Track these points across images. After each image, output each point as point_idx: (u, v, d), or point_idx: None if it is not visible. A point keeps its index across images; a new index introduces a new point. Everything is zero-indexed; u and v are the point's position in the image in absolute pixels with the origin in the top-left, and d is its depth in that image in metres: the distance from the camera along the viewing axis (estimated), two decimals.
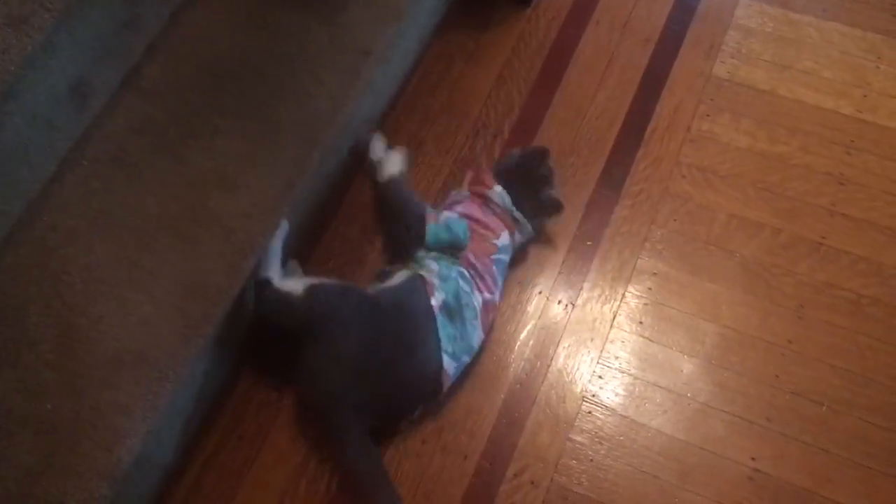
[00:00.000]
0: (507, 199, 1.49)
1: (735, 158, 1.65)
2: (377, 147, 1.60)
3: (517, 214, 1.49)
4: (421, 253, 1.45)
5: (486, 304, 1.43)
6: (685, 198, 1.61)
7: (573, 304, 1.53)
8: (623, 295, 1.53)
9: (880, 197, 1.58)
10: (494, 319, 1.48)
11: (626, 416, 1.43)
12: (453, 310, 1.38)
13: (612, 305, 1.53)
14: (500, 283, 1.47)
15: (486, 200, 1.50)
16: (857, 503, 1.34)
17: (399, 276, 1.42)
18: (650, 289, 1.54)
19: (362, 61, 1.42)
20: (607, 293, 1.54)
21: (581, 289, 1.55)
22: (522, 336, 1.51)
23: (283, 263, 1.39)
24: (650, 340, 1.49)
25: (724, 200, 1.60)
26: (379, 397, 1.34)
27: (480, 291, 1.42)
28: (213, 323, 1.19)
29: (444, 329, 1.36)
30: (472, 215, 1.47)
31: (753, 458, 1.38)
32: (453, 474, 1.39)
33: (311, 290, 1.33)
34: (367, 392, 1.33)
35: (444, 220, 1.45)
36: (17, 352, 1.13)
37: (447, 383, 1.38)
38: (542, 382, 1.47)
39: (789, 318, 1.49)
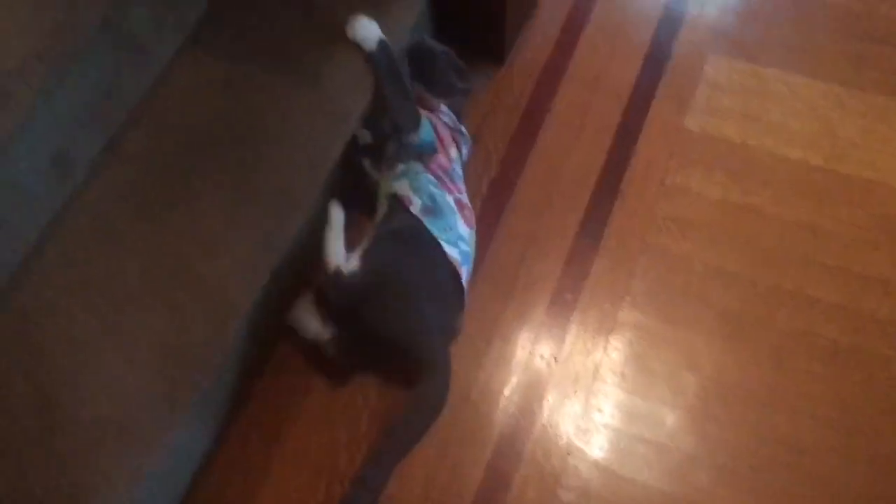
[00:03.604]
0: (454, 116, 1.63)
1: (709, 210, 1.67)
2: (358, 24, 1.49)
3: (463, 129, 1.63)
4: (386, 175, 1.56)
5: (458, 202, 1.55)
6: (662, 250, 1.64)
7: (556, 359, 1.54)
8: (605, 348, 1.55)
9: (853, 245, 1.61)
10: (472, 217, 1.57)
11: (611, 471, 1.43)
12: (431, 208, 1.49)
13: (595, 358, 1.54)
14: (462, 188, 1.60)
15: (437, 114, 1.61)
16: None
17: (381, 209, 1.53)
18: (631, 341, 1.55)
19: (341, 123, 1.44)
20: (589, 346, 1.55)
21: (563, 342, 1.56)
22: (506, 392, 1.52)
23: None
24: (633, 393, 1.50)
25: (700, 251, 1.63)
26: (440, 308, 1.47)
27: (451, 192, 1.54)
28: (197, 388, 1.20)
29: (433, 224, 1.47)
30: (436, 122, 1.59)
31: None
32: None
33: (365, 262, 1.40)
34: (436, 311, 1.45)
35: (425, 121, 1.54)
36: None
37: (460, 269, 1.48)
38: (528, 438, 1.47)
39: (769, 367, 1.50)
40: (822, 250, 1.62)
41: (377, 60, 1.47)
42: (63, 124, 1.23)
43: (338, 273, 1.38)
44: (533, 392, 1.51)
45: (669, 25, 1.93)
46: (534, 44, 1.91)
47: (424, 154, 1.56)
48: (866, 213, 1.64)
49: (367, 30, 1.46)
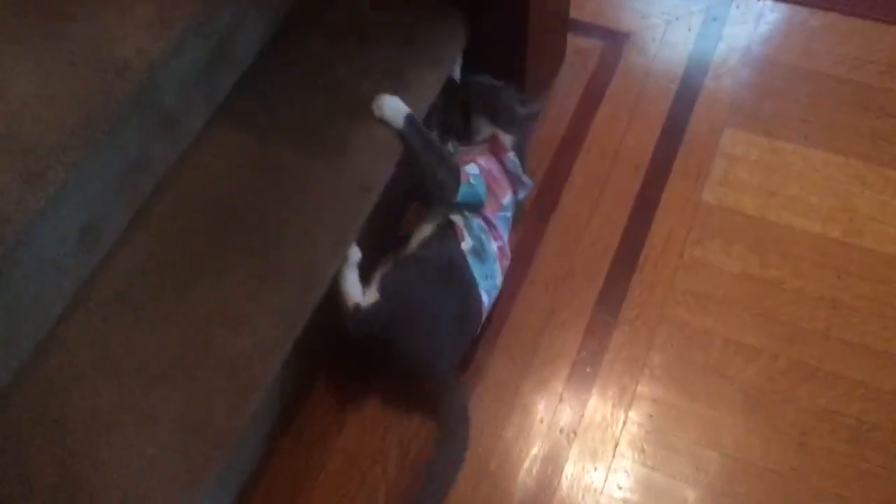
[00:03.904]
0: (518, 165, 1.66)
1: (728, 283, 1.68)
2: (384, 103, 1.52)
3: (524, 177, 1.66)
4: (441, 208, 1.58)
5: (501, 250, 1.59)
6: (682, 323, 1.63)
7: (575, 433, 1.53)
8: (624, 422, 1.53)
9: (873, 321, 1.61)
10: (507, 266, 1.62)
11: None
12: (480, 252, 1.53)
13: (614, 432, 1.53)
14: (505, 236, 1.63)
15: (502, 161, 1.65)
16: None
17: (429, 227, 1.57)
18: (651, 416, 1.54)
19: (362, 198, 1.46)
20: (609, 421, 1.54)
21: (583, 416, 1.55)
22: (525, 465, 1.50)
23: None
24: (653, 469, 1.49)
25: (720, 325, 1.63)
26: (455, 342, 1.53)
27: (494, 240, 1.58)
28: (215, 466, 1.19)
29: (477, 268, 1.52)
30: (491, 172, 1.61)
31: None
32: None
33: (384, 293, 1.45)
34: (451, 343, 1.52)
35: (468, 179, 1.55)
36: (16, 501, 1.12)
37: (484, 314, 1.54)
38: None
39: (791, 445, 1.49)
40: (843, 325, 1.61)
41: (408, 136, 1.50)
42: (92, 198, 1.25)
43: (356, 308, 1.43)
44: (552, 465, 1.50)
45: (686, 98, 1.96)
46: (552, 115, 1.94)
47: (472, 206, 1.59)
48: (888, 289, 1.64)
49: (393, 108, 1.49)
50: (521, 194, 1.69)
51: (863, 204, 1.76)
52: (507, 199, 1.64)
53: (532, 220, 1.78)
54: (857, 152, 1.84)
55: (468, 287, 1.51)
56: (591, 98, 1.97)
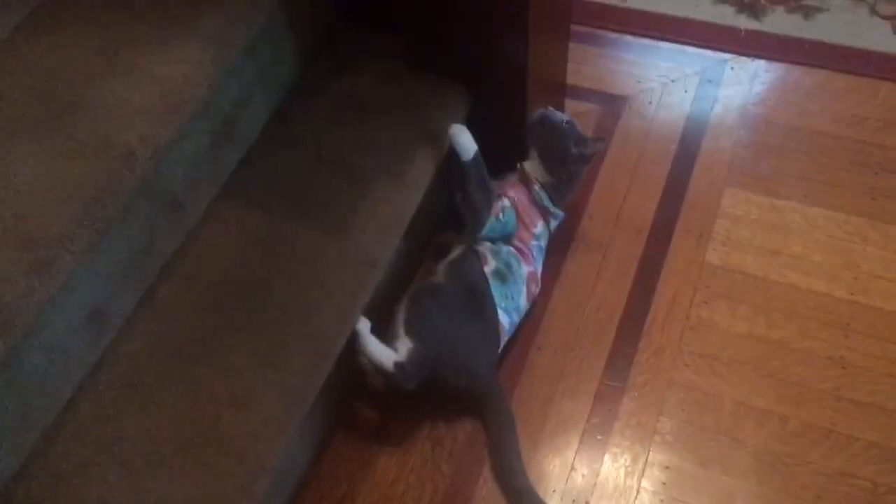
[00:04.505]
0: (544, 198, 1.71)
1: (736, 345, 1.67)
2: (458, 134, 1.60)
3: (553, 208, 1.71)
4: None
5: (531, 275, 1.66)
6: (691, 387, 1.63)
7: (588, 503, 1.51)
8: (637, 491, 1.52)
9: (883, 380, 1.60)
10: (536, 292, 1.70)
11: None
12: (504, 274, 1.61)
13: (628, 503, 1.51)
14: (539, 261, 1.71)
15: (530, 192, 1.70)
16: None
17: (456, 251, 1.64)
18: (664, 483, 1.52)
19: (368, 272, 1.47)
20: (622, 489, 1.52)
21: (595, 485, 1.53)
22: None
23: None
24: None
25: (729, 388, 1.62)
26: (487, 354, 1.59)
27: (526, 265, 1.65)
28: None
29: (497, 290, 1.59)
30: (522, 202, 1.68)
31: None
32: None
33: (415, 335, 1.49)
34: (484, 356, 1.59)
35: (499, 213, 1.63)
36: None
37: (504, 336, 1.60)
38: None
39: None
40: (852, 385, 1.60)
41: (470, 171, 1.58)
42: (100, 283, 1.26)
43: (399, 366, 1.47)
44: None
45: (685, 160, 1.99)
46: None
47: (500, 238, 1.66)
48: None
49: (465, 142, 1.58)
50: (553, 224, 1.74)
51: (866, 261, 1.77)
52: (538, 228, 1.70)
53: None
54: (857, 209, 1.85)
55: (487, 306, 1.58)
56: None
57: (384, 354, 1.47)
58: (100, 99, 1.28)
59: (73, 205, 1.17)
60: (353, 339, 1.45)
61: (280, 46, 1.62)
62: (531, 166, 1.72)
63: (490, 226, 1.61)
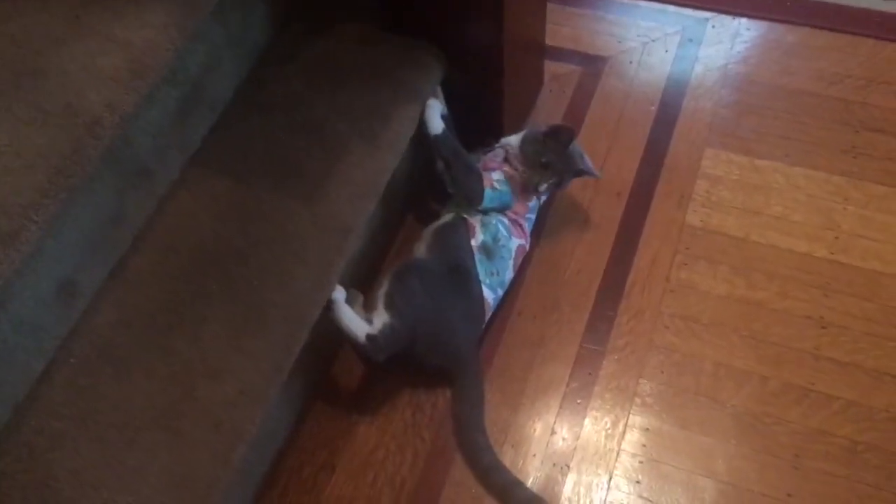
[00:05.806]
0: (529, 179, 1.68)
1: (716, 306, 1.67)
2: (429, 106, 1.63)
3: (541, 188, 1.68)
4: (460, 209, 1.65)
5: (520, 248, 1.65)
6: (671, 349, 1.62)
7: (568, 466, 1.51)
8: (618, 453, 1.52)
9: (862, 339, 1.60)
10: (520, 262, 1.68)
11: None
12: (490, 249, 1.60)
13: (609, 465, 1.51)
14: (528, 232, 1.70)
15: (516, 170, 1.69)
16: None
17: (445, 217, 1.65)
18: (644, 445, 1.52)
19: (343, 238, 1.45)
20: (602, 452, 1.52)
21: (575, 449, 1.53)
22: None
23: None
24: (649, 501, 1.47)
25: (709, 350, 1.62)
26: (468, 331, 1.59)
27: (518, 237, 1.65)
28: None
29: (482, 265, 1.58)
30: (514, 177, 1.67)
31: None
32: None
33: (393, 310, 1.48)
34: (465, 333, 1.58)
35: (493, 184, 1.63)
36: None
37: (489, 312, 1.60)
38: None
39: (786, 469, 1.47)
40: (832, 345, 1.60)
41: (441, 142, 1.60)
42: (69, 254, 1.24)
43: (371, 338, 1.46)
44: (547, 498, 1.48)
45: (665, 120, 1.97)
46: None
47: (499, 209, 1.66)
48: (875, 306, 1.64)
49: (433, 115, 1.60)
50: (543, 197, 1.74)
51: (847, 220, 1.76)
52: (532, 202, 1.70)
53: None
54: (838, 168, 1.84)
55: (472, 284, 1.57)
56: (571, 123, 1.97)
57: (357, 325, 1.46)
58: (62, 65, 1.23)
59: (37, 174, 1.13)
60: (328, 307, 1.43)
61: (250, 10, 1.58)
62: (515, 158, 1.69)
63: (487, 197, 1.61)
